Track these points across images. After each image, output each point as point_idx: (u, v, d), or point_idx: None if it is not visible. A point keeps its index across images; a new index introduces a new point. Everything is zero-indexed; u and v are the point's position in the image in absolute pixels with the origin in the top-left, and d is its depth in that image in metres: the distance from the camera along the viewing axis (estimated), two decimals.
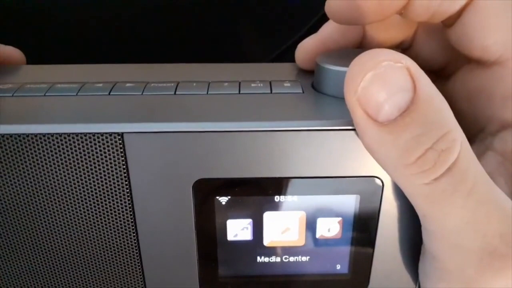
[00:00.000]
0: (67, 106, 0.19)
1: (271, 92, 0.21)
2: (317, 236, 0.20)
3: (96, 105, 0.19)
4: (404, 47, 0.24)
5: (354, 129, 0.18)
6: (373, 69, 0.15)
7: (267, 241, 0.21)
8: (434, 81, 0.24)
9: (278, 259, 0.21)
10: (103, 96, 0.20)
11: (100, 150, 0.18)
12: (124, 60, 0.26)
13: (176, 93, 0.21)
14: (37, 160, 0.18)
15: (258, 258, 0.21)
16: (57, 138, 0.18)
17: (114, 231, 0.20)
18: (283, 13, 0.36)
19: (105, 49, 0.37)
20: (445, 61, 0.23)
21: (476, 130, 0.21)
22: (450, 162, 0.16)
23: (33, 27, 0.37)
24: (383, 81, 0.15)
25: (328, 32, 0.23)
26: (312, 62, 0.22)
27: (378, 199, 0.19)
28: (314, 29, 0.24)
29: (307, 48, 0.23)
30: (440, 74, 0.23)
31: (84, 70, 0.25)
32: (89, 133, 0.18)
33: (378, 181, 0.19)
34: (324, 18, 0.22)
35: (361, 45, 0.23)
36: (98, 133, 0.18)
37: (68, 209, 0.19)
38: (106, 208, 0.19)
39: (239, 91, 0.21)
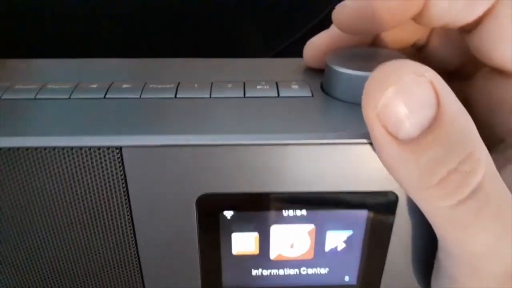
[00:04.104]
0: (60, 113, 0.18)
1: (278, 96, 0.20)
2: (327, 249, 0.20)
3: (91, 112, 0.18)
4: (418, 46, 0.22)
5: (369, 143, 0.17)
6: (395, 84, 0.14)
7: (274, 254, 0.20)
8: (448, 82, 0.23)
9: (286, 272, 0.20)
10: (98, 100, 0.19)
11: (97, 165, 0.17)
12: (123, 56, 0.25)
13: (177, 96, 0.19)
14: (29, 175, 0.17)
15: (265, 271, 0.20)
16: (50, 152, 0.17)
17: (114, 248, 0.19)
18: (287, 9, 0.34)
19: (103, 43, 0.35)
20: (462, 63, 0.21)
21: (495, 140, 0.20)
22: (474, 184, 0.15)
23: (30, 19, 0.35)
24: (405, 97, 0.14)
25: (338, 30, 0.21)
26: (321, 61, 0.21)
27: (392, 214, 0.18)
28: (317, 27, 0.22)
29: (316, 46, 0.22)
30: (455, 75, 0.22)
31: (78, 66, 0.23)
32: (85, 147, 0.16)
33: (392, 196, 0.18)
34: (328, 17, 0.21)
35: (374, 43, 0.22)
36: (94, 146, 0.16)
37: (64, 227, 0.18)
38: (105, 225, 0.18)
39: (244, 94, 0.20)
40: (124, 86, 0.20)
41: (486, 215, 0.15)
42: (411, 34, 0.22)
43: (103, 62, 0.23)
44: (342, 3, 0.19)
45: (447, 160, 0.14)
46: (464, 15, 0.17)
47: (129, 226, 0.18)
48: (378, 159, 0.16)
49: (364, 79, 0.18)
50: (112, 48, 0.35)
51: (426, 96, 0.14)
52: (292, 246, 0.19)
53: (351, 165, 0.17)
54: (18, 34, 0.34)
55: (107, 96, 0.19)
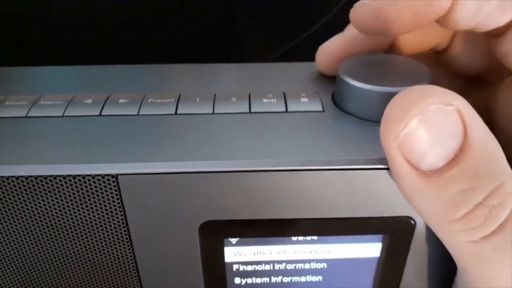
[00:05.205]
0: (52, 136, 0.17)
1: (286, 111, 0.18)
2: (338, 272, 0.18)
3: (85, 134, 0.17)
4: (438, 50, 0.21)
5: (386, 168, 0.15)
6: (419, 114, 0.13)
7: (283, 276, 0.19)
8: (468, 88, 0.21)
9: None
10: (93, 118, 0.18)
11: (92, 194, 0.16)
12: (124, 59, 0.23)
13: (177, 112, 0.18)
14: (20, 205, 0.16)
15: None
16: (41, 181, 0.15)
17: (115, 279, 0.18)
18: (291, 9, 0.32)
19: (104, 47, 0.33)
20: (485, 69, 0.20)
21: None
22: (502, 219, 0.13)
23: (26, 25, 0.33)
24: (430, 128, 0.13)
25: (354, 33, 0.19)
26: (335, 68, 0.19)
27: (409, 239, 0.17)
28: (324, 28, 0.21)
29: (330, 51, 0.20)
30: (477, 82, 0.21)
31: (74, 74, 0.22)
32: (79, 175, 0.15)
33: (410, 221, 0.17)
34: (334, 17, 0.19)
35: (391, 48, 0.20)
36: (89, 175, 0.15)
37: (60, 259, 0.17)
38: (104, 256, 0.17)
39: (250, 109, 0.18)
40: (121, 101, 0.19)
41: None
42: (432, 38, 0.20)
43: (100, 70, 0.22)
44: (361, 1, 0.17)
45: (473, 194, 0.13)
46: (494, 19, 0.16)
47: (130, 256, 0.17)
48: (394, 184, 0.15)
49: (379, 94, 0.17)
50: (110, 50, 0.33)
51: (452, 127, 0.13)
52: (301, 268, 0.18)
53: (365, 190, 0.16)
54: (14, 41, 0.33)
55: (102, 113, 0.18)
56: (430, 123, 0.13)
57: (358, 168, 0.15)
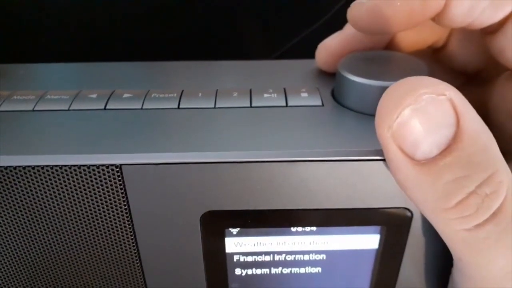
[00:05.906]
0: (58, 128, 0.17)
1: (286, 105, 0.19)
2: (337, 264, 0.19)
3: (91, 126, 0.17)
4: (435, 47, 0.21)
5: (382, 159, 0.16)
6: (412, 104, 0.13)
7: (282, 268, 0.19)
8: (466, 85, 0.21)
9: (294, 286, 0.20)
10: (98, 112, 0.18)
11: (97, 183, 0.16)
12: (127, 57, 0.24)
13: (180, 106, 0.19)
14: (27, 194, 0.16)
15: (273, 286, 0.19)
16: (48, 171, 0.16)
17: (118, 268, 0.18)
18: (291, 8, 0.33)
19: (105, 46, 0.34)
20: (482, 66, 0.20)
21: None
22: (494, 207, 0.14)
23: (31, 23, 0.34)
24: (423, 117, 0.13)
25: (353, 31, 0.20)
26: (335, 65, 0.19)
27: (406, 231, 0.17)
28: (324, 26, 0.21)
29: (329, 48, 0.20)
30: (474, 78, 0.21)
31: (80, 71, 0.22)
32: (84, 165, 0.16)
33: (407, 213, 0.17)
34: (335, 15, 0.19)
35: (389, 46, 0.21)
36: (93, 165, 0.16)
37: (65, 247, 0.18)
38: (107, 244, 0.18)
39: (251, 103, 0.19)
40: (125, 95, 0.19)
41: (506, 241, 0.14)
42: (429, 36, 0.20)
43: (105, 67, 0.23)
44: (358, 1, 0.18)
45: (466, 182, 0.13)
46: (488, 16, 0.16)
47: (133, 245, 0.18)
48: (391, 175, 0.15)
49: (377, 89, 0.17)
50: (114, 50, 0.34)
51: (445, 116, 0.13)
52: (301, 260, 0.19)
53: (363, 182, 0.16)
54: (19, 38, 0.34)
55: (107, 107, 0.18)
56: (423, 112, 0.13)
57: (355, 159, 0.16)
